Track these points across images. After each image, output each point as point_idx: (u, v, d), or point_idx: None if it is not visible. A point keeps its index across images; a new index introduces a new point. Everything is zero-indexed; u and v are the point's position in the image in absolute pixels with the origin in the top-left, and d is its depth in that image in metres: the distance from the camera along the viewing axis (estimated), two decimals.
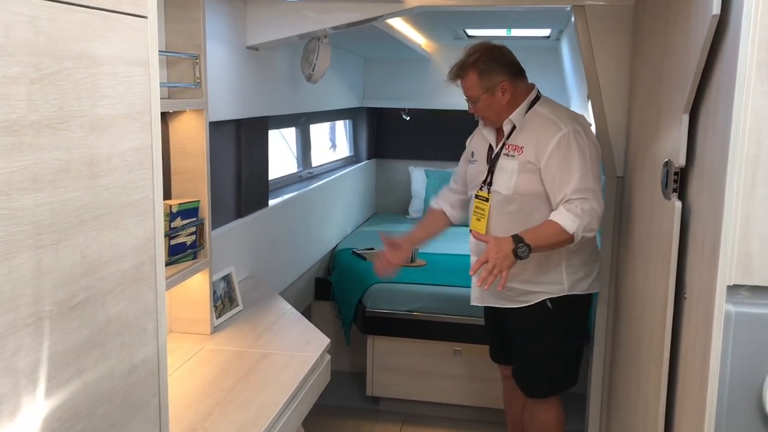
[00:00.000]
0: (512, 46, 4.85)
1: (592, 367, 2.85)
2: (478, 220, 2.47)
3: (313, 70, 3.10)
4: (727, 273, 1.47)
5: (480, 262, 2.22)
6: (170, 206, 2.09)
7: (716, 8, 1.48)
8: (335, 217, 4.43)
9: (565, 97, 4.89)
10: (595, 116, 2.66)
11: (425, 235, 2.74)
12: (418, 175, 5.26)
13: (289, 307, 2.58)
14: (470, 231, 2.49)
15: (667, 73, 1.92)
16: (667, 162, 1.86)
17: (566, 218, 2.24)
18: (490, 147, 2.50)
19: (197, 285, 2.24)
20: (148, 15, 1.07)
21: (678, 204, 1.75)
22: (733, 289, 1.47)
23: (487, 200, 2.44)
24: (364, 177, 5.19)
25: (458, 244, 4.41)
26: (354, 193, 4.93)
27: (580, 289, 2.49)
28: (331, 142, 5.18)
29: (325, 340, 2.24)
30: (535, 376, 2.58)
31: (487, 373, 3.51)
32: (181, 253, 2.14)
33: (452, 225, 2.74)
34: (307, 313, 4.00)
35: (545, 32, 4.11)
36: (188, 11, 2.09)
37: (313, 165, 4.48)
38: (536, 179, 2.36)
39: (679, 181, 1.79)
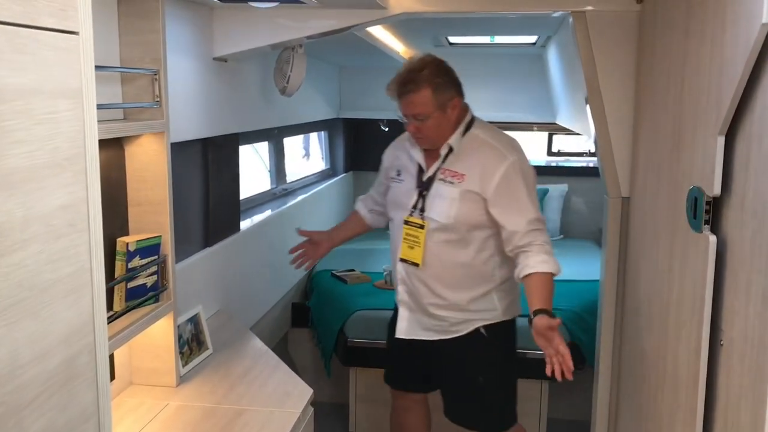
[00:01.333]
0: (495, 53, 4.68)
1: (596, 397, 2.63)
2: (411, 248, 2.33)
3: (287, 83, 2.85)
4: None
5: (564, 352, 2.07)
6: (127, 244, 1.82)
7: (766, 16, 1.27)
8: None
9: (550, 106, 4.69)
10: (597, 130, 2.44)
11: (345, 236, 2.72)
12: None
13: (264, 348, 2.32)
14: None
15: (691, 89, 1.70)
16: (694, 189, 1.64)
17: (550, 262, 2.19)
18: (420, 168, 2.34)
19: (160, 331, 1.97)
20: (80, 30, 0.81)
21: (713, 239, 1.53)
22: None
23: (421, 227, 2.29)
24: (341, 191, 4.93)
25: None
26: (331, 208, 4.67)
27: (511, 314, 2.44)
28: (305, 150, 4.92)
29: (307, 391, 1.98)
30: (481, 408, 2.47)
31: None
32: (140, 297, 1.87)
33: (369, 230, 2.76)
34: (284, 341, 3.74)
35: (531, 39, 3.90)
36: (146, 21, 1.83)
37: (288, 180, 4.21)
38: (479, 209, 2.25)
39: (711, 211, 1.57)
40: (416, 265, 2.31)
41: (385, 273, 3.71)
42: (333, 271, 3.91)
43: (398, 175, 2.41)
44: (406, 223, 2.32)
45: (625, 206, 2.42)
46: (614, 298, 2.48)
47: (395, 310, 2.54)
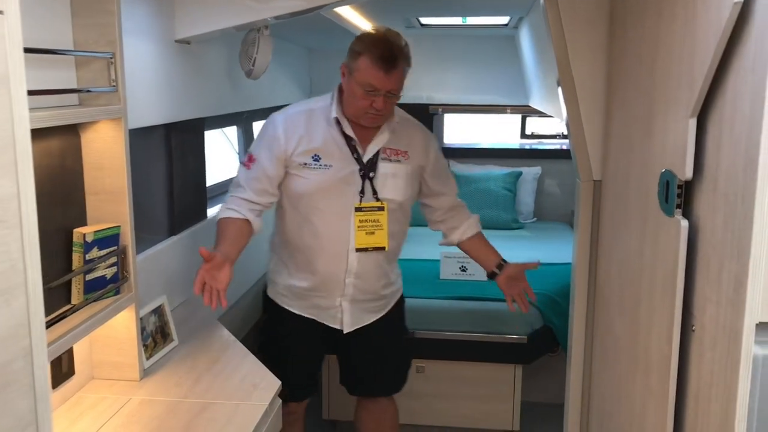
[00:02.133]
0: (466, 34, 4.62)
1: (569, 380, 2.62)
2: (371, 233, 2.24)
3: (253, 66, 2.77)
4: (757, 309, 1.24)
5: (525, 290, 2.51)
6: (84, 235, 1.75)
7: None
8: None
9: (523, 88, 4.66)
10: (568, 113, 2.40)
11: (238, 251, 2.20)
12: None
13: (232, 339, 2.27)
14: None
15: (663, 70, 1.67)
16: (666, 172, 1.61)
17: (477, 223, 2.55)
18: (354, 149, 2.23)
19: (122, 323, 1.91)
20: (5, 9, 0.75)
21: (684, 223, 1.50)
22: (762, 327, 1.24)
23: (381, 209, 2.24)
24: None
25: (418, 247, 4.15)
26: None
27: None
28: None
29: (274, 383, 1.94)
30: (399, 369, 2.63)
31: (454, 390, 3.27)
32: (100, 289, 1.80)
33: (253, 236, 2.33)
34: (255, 328, 3.68)
35: (503, 20, 3.86)
36: (99, 1, 1.74)
37: None
38: (418, 183, 2.39)
39: (683, 195, 1.54)
40: (383, 249, 2.27)
41: None
42: None
43: (317, 160, 2.21)
44: (359, 210, 2.22)
45: (597, 189, 2.39)
46: (586, 282, 2.46)
47: (275, 314, 2.46)
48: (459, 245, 2.55)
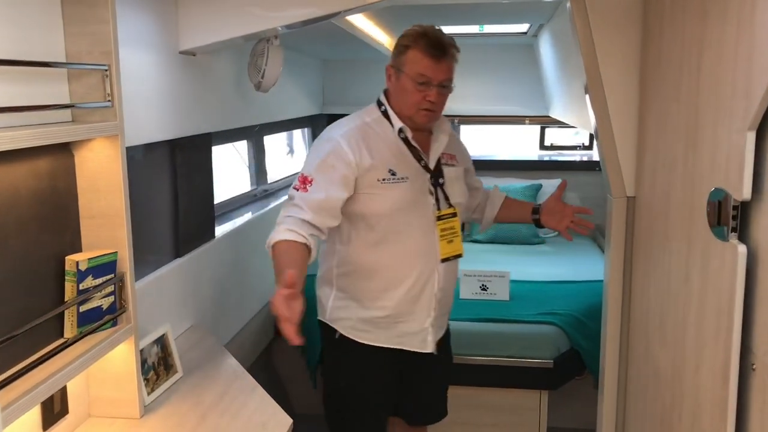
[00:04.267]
0: (483, 43, 4.47)
1: (601, 410, 2.44)
2: (450, 242, 2.15)
3: (262, 78, 2.64)
4: None
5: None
6: (77, 263, 1.61)
7: None
8: None
9: (542, 98, 4.50)
10: (598, 124, 2.24)
11: (303, 279, 1.83)
12: None
13: (240, 370, 2.11)
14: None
15: (711, 79, 1.51)
16: (716, 191, 1.44)
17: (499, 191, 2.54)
18: (420, 158, 2.10)
19: (120, 357, 1.76)
20: None
21: (742, 249, 1.33)
22: None
23: (455, 215, 2.16)
24: None
25: None
26: None
27: None
28: (289, 147, 4.70)
29: (285, 422, 1.78)
30: (446, 391, 2.48)
31: (476, 419, 3.10)
32: (95, 321, 1.66)
33: None
34: (267, 352, 3.53)
35: (522, 28, 3.71)
36: (93, 9, 1.61)
37: (270, 180, 4.00)
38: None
39: (738, 217, 1.38)
40: (459, 256, 2.19)
41: None
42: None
43: (393, 174, 2.03)
44: (440, 219, 2.11)
45: (630, 206, 2.23)
46: (619, 305, 2.29)
47: (350, 352, 2.16)
48: (496, 220, 2.50)
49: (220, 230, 2.87)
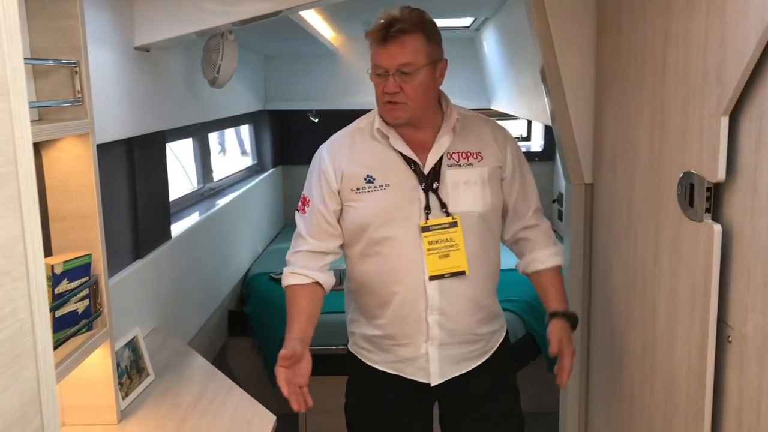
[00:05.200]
0: None
1: (564, 392, 2.52)
2: (445, 256, 1.82)
3: (218, 73, 2.59)
4: None
5: (568, 366, 1.91)
6: (53, 266, 1.55)
7: None
8: (244, 237, 3.91)
9: (484, 91, 4.58)
10: (555, 114, 2.31)
11: (314, 325, 1.87)
12: None
13: (211, 368, 2.09)
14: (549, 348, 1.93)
15: (678, 66, 1.58)
16: (688, 174, 1.52)
17: (560, 253, 2.02)
18: (410, 160, 1.84)
19: (96, 362, 1.71)
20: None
21: (717, 228, 1.41)
22: None
23: (454, 225, 1.82)
24: (270, 187, 4.69)
25: None
26: (261, 206, 4.42)
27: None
28: (221, 146, 4.64)
29: (269, 418, 1.77)
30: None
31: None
32: (71, 326, 1.60)
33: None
34: (222, 352, 3.49)
35: (466, 22, 3.76)
36: (60, 3, 1.55)
37: (215, 179, 3.94)
38: (499, 187, 1.93)
39: (712, 198, 1.45)
40: (463, 273, 1.83)
41: None
42: (271, 274, 3.67)
43: (370, 182, 1.83)
44: (426, 229, 1.81)
45: (589, 193, 2.31)
46: (581, 288, 2.37)
47: (358, 373, 1.99)
48: (528, 275, 2.05)
49: (174, 230, 2.81)
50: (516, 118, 4.54)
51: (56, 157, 1.62)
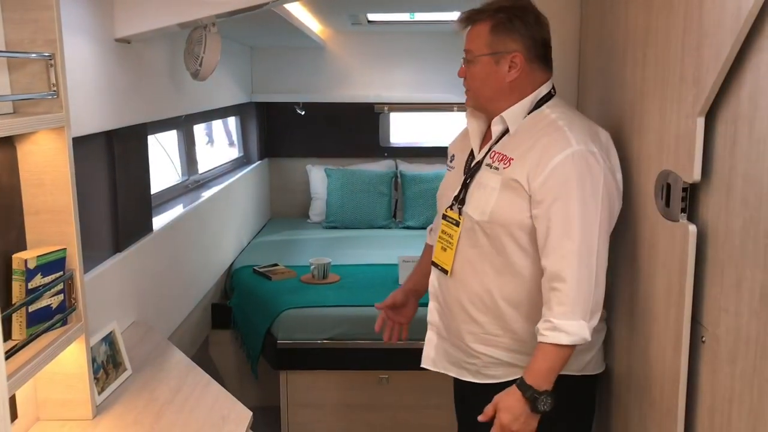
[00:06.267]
0: (414, 31, 4.50)
1: None
2: (444, 249, 1.80)
3: (200, 65, 2.58)
4: None
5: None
6: (26, 261, 1.53)
7: None
8: (229, 230, 3.90)
9: None
10: None
11: (427, 280, 1.91)
12: (317, 174, 4.79)
13: (190, 363, 2.08)
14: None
15: (656, 65, 1.58)
16: (664, 173, 1.52)
17: (566, 329, 1.60)
18: (472, 151, 1.83)
19: (71, 357, 1.70)
20: None
21: (692, 228, 1.41)
22: None
23: (457, 224, 1.76)
24: (256, 180, 4.67)
25: (376, 251, 4.01)
26: (248, 199, 4.40)
27: (576, 367, 1.75)
28: (208, 137, 4.62)
29: (245, 414, 1.77)
30: None
31: (420, 401, 3.14)
32: (45, 321, 1.59)
33: None
34: (204, 345, 3.48)
35: (453, 15, 3.75)
36: None
37: (200, 171, 3.92)
38: (521, 204, 1.66)
39: (688, 198, 1.46)
40: (445, 272, 1.80)
41: (312, 267, 3.49)
42: (255, 267, 3.67)
43: (451, 161, 1.91)
44: (444, 217, 1.82)
45: None
46: None
47: None
48: None
49: (156, 223, 2.79)
50: None
51: (31, 150, 1.60)
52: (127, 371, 1.98)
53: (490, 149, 1.75)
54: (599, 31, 2.01)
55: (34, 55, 1.54)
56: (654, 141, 1.60)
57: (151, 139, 3.39)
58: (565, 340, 1.59)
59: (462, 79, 1.80)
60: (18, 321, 1.55)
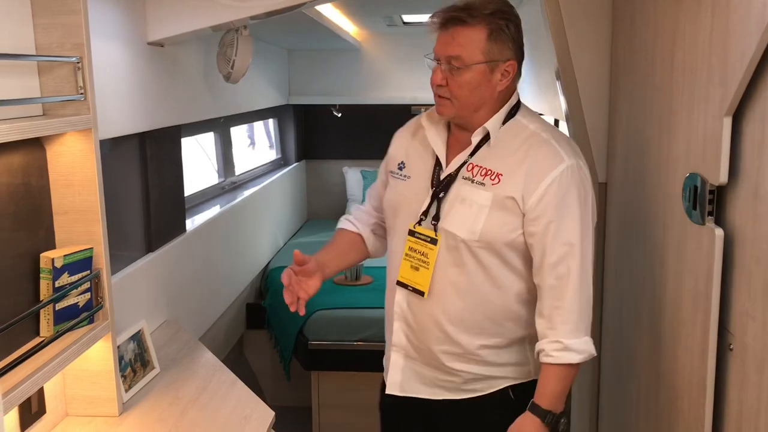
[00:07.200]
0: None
1: (574, 394, 2.48)
2: (416, 269, 1.66)
3: (232, 68, 2.60)
4: None
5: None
6: (53, 260, 1.57)
7: None
8: (265, 231, 3.93)
9: None
10: (569, 111, 2.27)
11: (338, 266, 1.84)
12: (353, 176, 4.81)
13: (218, 364, 2.10)
14: None
15: (685, 65, 1.54)
16: (692, 176, 1.48)
17: (575, 348, 1.56)
18: (438, 161, 1.69)
19: (98, 355, 1.73)
20: None
21: (719, 232, 1.37)
22: None
23: (434, 242, 1.63)
24: (294, 181, 4.70)
25: None
26: (284, 200, 4.44)
27: (524, 375, 1.73)
28: (250, 139, 4.67)
29: (268, 414, 1.78)
30: None
31: None
32: (72, 318, 1.62)
33: (368, 258, 1.92)
34: (239, 345, 3.52)
35: None
36: (64, 0, 1.57)
37: (237, 173, 3.96)
38: (514, 224, 1.59)
39: (715, 201, 1.41)
40: (420, 294, 1.67)
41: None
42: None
43: (400, 168, 1.75)
44: (412, 234, 1.67)
45: (602, 193, 2.26)
46: (593, 292, 2.32)
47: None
48: None
49: (190, 224, 2.83)
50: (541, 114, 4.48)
51: (60, 151, 1.64)
52: (155, 369, 2.01)
53: (466, 162, 1.64)
54: (629, 30, 1.97)
55: (62, 58, 1.58)
56: (682, 142, 1.56)
57: (191, 141, 3.46)
58: (576, 358, 1.56)
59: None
60: (46, 318, 1.59)
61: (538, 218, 1.57)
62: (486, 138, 1.63)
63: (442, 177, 1.66)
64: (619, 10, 2.07)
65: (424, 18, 4.04)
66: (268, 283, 3.72)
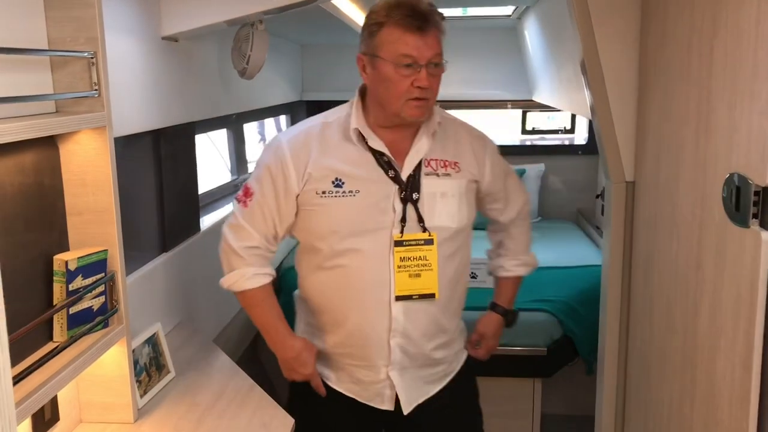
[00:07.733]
0: (466, 27, 4.41)
1: (600, 397, 2.41)
2: (416, 276, 1.67)
3: (247, 64, 2.54)
4: None
5: (481, 356, 2.02)
6: (66, 262, 1.52)
7: None
8: None
9: (525, 82, 4.45)
10: (596, 107, 2.19)
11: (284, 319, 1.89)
12: None
13: (235, 368, 2.04)
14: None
15: (726, 59, 1.46)
16: (734, 176, 1.40)
17: (528, 264, 2.05)
18: (390, 165, 1.69)
19: (112, 360, 1.68)
20: None
21: (765, 236, 1.29)
22: None
23: (430, 242, 1.67)
24: None
25: None
26: None
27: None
28: (261, 136, 4.61)
29: (287, 422, 1.72)
30: None
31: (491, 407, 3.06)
32: (86, 323, 1.57)
33: None
34: (253, 345, 3.45)
35: (507, 11, 3.64)
36: None
37: (249, 170, 3.91)
38: (473, 201, 1.84)
39: (760, 203, 1.34)
40: (432, 296, 1.69)
41: None
42: None
43: (338, 186, 1.67)
44: (400, 244, 1.65)
45: (630, 191, 2.19)
46: (619, 291, 2.26)
47: (308, 388, 1.86)
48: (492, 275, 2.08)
49: (205, 223, 2.78)
50: (558, 110, 4.41)
51: (73, 150, 1.58)
52: (170, 374, 1.96)
53: (422, 159, 1.72)
54: (662, 22, 1.89)
55: (76, 53, 1.52)
56: (722, 140, 1.48)
57: (204, 138, 3.40)
58: (530, 269, 2.04)
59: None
60: (59, 323, 1.53)
61: (495, 180, 1.85)
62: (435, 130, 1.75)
63: (404, 178, 1.69)
64: (651, 3, 1.99)
65: (445, 12, 3.98)
66: (281, 282, 3.65)
